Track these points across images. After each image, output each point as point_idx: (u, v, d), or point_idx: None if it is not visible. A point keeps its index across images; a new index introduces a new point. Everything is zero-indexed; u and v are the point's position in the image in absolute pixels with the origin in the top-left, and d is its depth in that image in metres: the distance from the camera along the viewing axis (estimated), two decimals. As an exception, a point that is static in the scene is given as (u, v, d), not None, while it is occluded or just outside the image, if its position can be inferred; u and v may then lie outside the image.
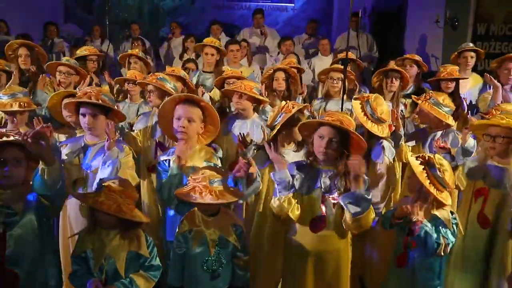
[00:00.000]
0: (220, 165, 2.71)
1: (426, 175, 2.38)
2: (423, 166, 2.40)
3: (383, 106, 2.87)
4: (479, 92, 4.43)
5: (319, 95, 4.64)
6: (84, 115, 2.69)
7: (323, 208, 2.38)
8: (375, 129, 2.85)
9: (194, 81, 4.42)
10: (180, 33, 7.20)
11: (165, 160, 2.64)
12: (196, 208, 2.41)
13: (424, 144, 3.36)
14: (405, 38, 7.10)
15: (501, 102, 3.82)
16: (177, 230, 2.41)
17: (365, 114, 2.83)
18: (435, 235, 2.38)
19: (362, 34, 6.88)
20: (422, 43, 6.76)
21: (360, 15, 6.43)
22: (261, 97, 3.36)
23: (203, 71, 4.61)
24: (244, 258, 2.44)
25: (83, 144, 2.76)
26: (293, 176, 2.42)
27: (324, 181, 2.37)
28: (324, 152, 2.34)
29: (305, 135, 2.51)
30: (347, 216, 2.30)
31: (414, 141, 3.44)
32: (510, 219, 2.64)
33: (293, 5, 9.39)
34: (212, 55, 4.54)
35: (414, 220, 2.36)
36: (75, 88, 3.80)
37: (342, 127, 2.31)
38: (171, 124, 2.65)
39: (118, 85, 4.46)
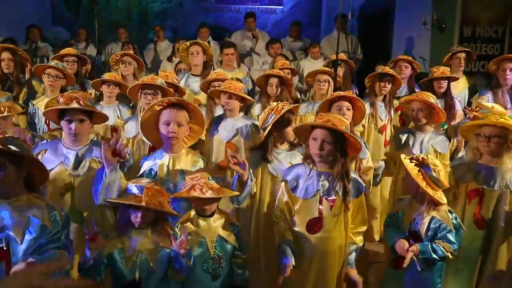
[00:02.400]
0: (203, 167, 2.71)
1: (422, 176, 2.40)
2: (418, 168, 2.42)
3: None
4: (469, 93, 4.50)
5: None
6: (70, 121, 2.57)
7: (320, 209, 2.39)
8: None
9: (182, 82, 4.37)
10: (164, 36, 7.15)
11: (154, 165, 2.63)
12: (191, 212, 2.42)
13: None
14: (393, 40, 7.18)
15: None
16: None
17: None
18: (434, 255, 2.37)
19: (347, 36, 6.94)
20: (410, 45, 6.82)
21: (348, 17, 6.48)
22: (247, 97, 3.43)
23: (191, 74, 4.55)
24: (243, 257, 2.46)
25: (64, 150, 2.61)
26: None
27: (323, 183, 2.38)
28: (319, 154, 2.36)
29: (302, 139, 2.52)
30: None
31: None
32: (504, 218, 2.64)
33: (282, 7, 9.41)
34: (198, 53, 4.44)
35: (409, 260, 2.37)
36: (62, 91, 3.63)
37: (333, 127, 2.32)
38: (155, 129, 2.64)
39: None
